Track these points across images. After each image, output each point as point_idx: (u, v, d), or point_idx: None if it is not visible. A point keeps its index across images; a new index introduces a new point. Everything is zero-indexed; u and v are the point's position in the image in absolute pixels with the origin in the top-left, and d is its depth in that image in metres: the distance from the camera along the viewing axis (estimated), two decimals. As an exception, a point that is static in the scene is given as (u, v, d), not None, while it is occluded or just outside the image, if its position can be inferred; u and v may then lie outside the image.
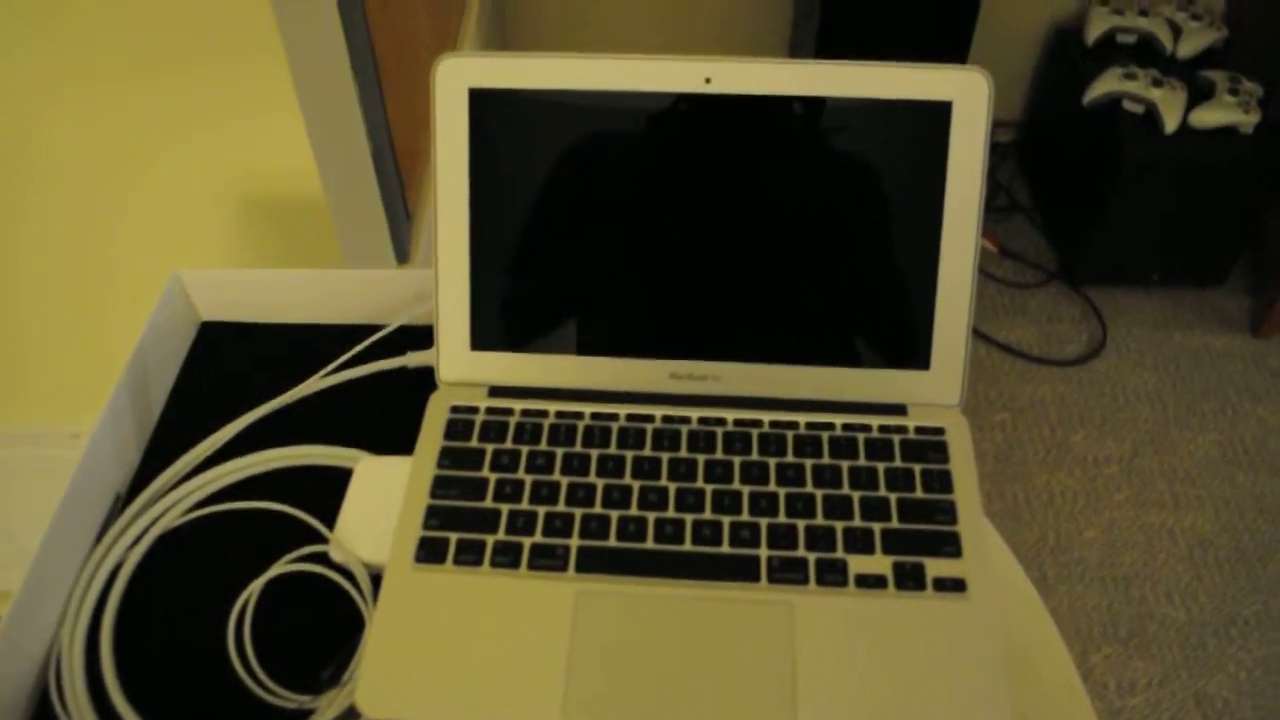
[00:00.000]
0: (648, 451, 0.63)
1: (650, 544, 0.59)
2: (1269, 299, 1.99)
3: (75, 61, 1.00)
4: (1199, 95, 1.90)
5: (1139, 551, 1.70)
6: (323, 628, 0.63)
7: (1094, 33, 2.05)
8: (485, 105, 0.63)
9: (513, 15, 2.17)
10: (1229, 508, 1.75)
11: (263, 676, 0.61)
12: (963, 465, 0.62)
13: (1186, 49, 2.01)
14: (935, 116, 0.61)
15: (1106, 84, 1.91)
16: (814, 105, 0.62)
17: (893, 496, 0.61)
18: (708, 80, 0.62)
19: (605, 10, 2.17)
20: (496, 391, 0.67)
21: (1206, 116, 1.85)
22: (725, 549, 0.59)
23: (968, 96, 0.61)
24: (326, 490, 0.69)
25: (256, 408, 0.74)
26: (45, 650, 0.62)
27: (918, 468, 0.62)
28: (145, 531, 0.68)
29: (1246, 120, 1.83)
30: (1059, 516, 1.74)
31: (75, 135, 1.06)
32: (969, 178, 0.62)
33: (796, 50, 2.19)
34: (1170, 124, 1.84)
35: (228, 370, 0.79)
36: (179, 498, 0.69)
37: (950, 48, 1.98)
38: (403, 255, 1.16)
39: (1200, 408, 1.90)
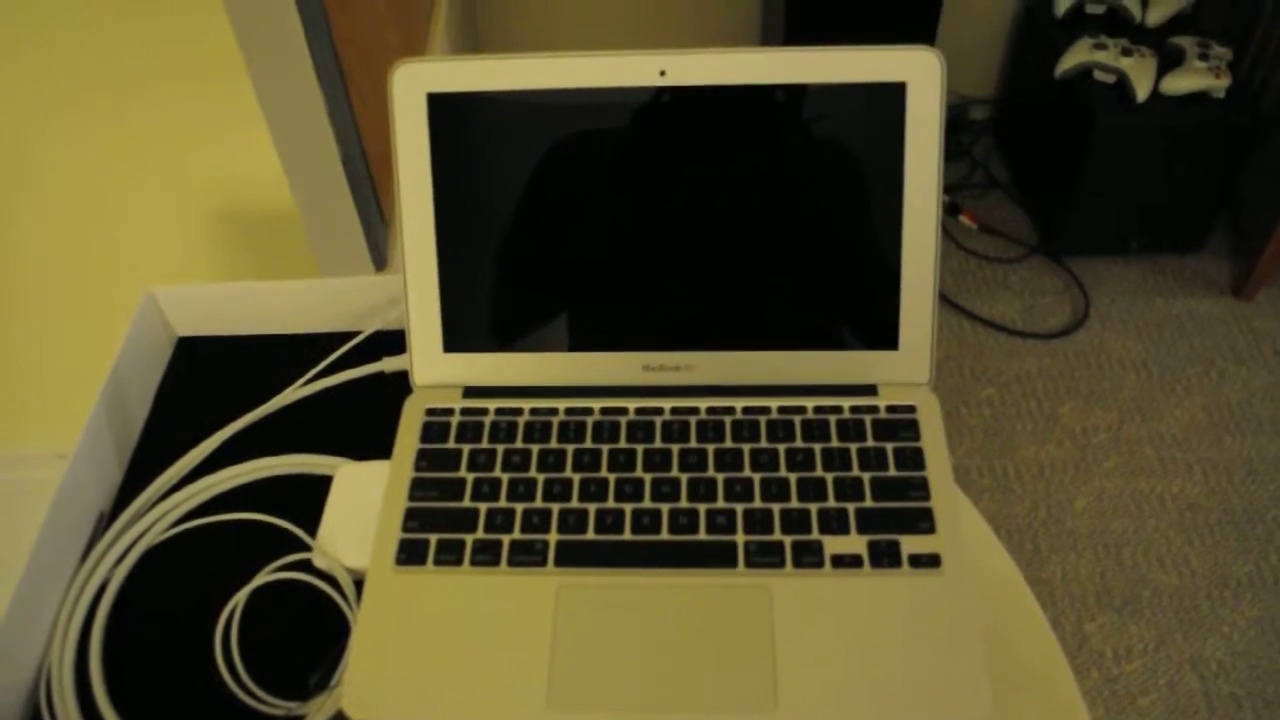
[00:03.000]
0: (622, 444, 0.64)
1: (628, 535, 0.60)
2: (1249, 260, 2.00)
3: (45, 85, 1.00)
4: (1169, 62, 1.91)
5: (1130, 519, 1.71)
6: (309, 634, 0.63)
7: (1062, 5, 2.05)
8: (444, 109, 0.64)
9: (483, 20, 2.17)
10: (1217, 471, 1.76)
11: (251, 685, 0.61)
12: (934, 442, 0.63)
13: (1155, 16, 2.01)
14: (890, 97, 0.62)
15: (1077, 55, 1.92)
16: (770, 92, 0.62)
17: (866, 476, 0.62)
18: (662, 73, 0.62)
19: (574, 10, 2.17)
20: (471, 392, 0.68)
21: (1178, 83, 1.85)
22: (702, 536, 0.60)
23: (920, 76, 0.61)
24: (308, 498, 0.69)
25: (235, 420, 0.75)
26: (35, 669, 0.62)
27: (890, 446, 0.63)
28: (130, 548, 0.68)
29: (1217, 84, 1.84)
30: (1049, 488, 1.75)
31: (47, 157, 1.06)
32: (926, 156, 0.62)
33: (768, 39, 2.19)
34: (1142, 92, 1.85)
35: (206, 384, 0.79)
36: (162, 513, 0.70)
37: (919, 27, 1.99)
38: (381, 261, 1.16)
39: (1185, 373, 1.91)
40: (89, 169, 1.08)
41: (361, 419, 0.75)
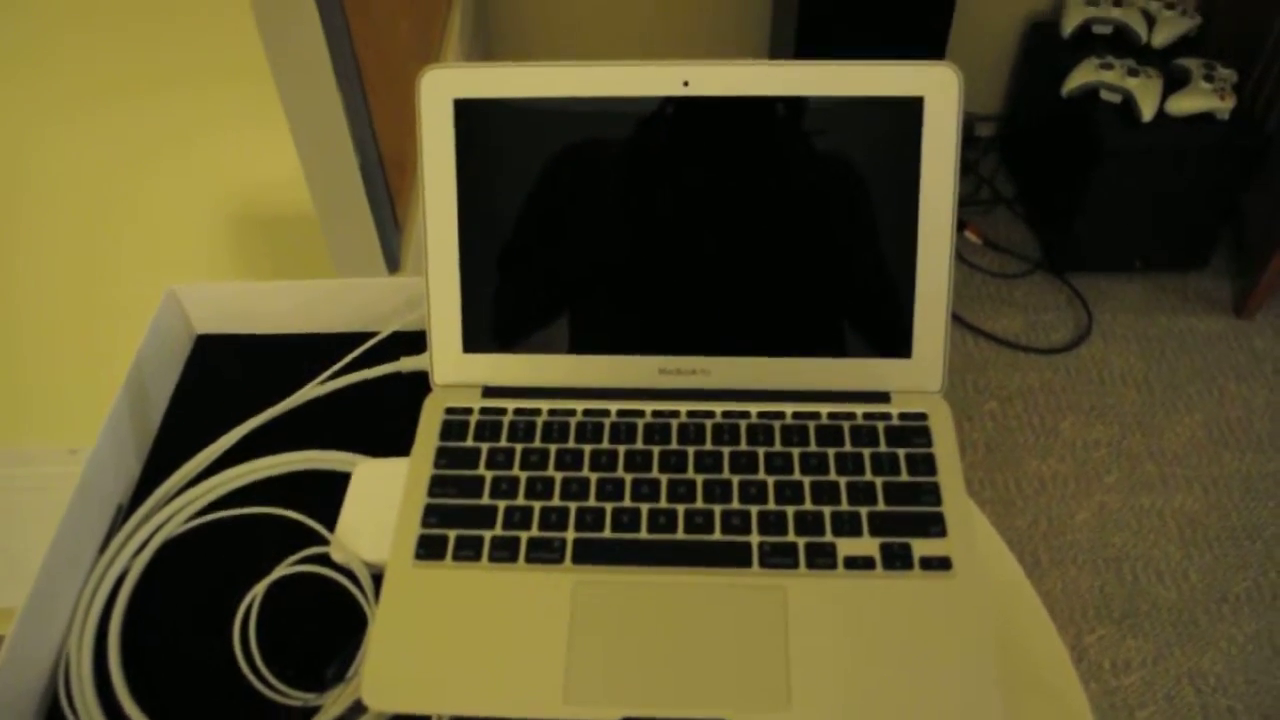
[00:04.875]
0: (639, 445, 0.65)
1: (644, 534, 0.61)
2: (1250, 280, 2.01)
3: (65, 85, 1.02)
4: (1174, 83, 1.92)
5: (1130, 533, 1.72)
6: (326, 627, 0.64)
7: (1070, 24, 2.07)
8: (470, 115, 0.65)
9: (495, 25, 2.19)
10: (1217, 487, 1.77)
11: (269, 677, 0.62)
12: (946, 448, 0.64)
13: (1161, 38, 2.03)
14: (908, 111, 0.63)
15: (1083, 75, 1.94)
16: (790, 104, 0.63)
17: (879, 480, 0.63)
18: (685, 83, 0.63)
19: (586, 16, 2.19)
20: (490, 392, 0.69)
21: (1183, 103, 1.87)
22: (717, 536, 0.61)
23: (938, 91, 0.63)
24: (326, 494, 0.70)
25: (253, 417, 0.76)
26: (53, 660, 0.63)
27: (902, 452, 0.64)
28: (148, 540, 0.69)
29: (1222, 106, 1.86)
30: (1050, 501, 1.76)
31: (66, 157, 1.07)
32: (943, 169, 0.64)
33: (776, 50, 2.20)
34: (1147, 112, 1.86)
35: (224, 381, 0.80)
36: (181, 506, 0.71)
37: (928, 43, 2.00)
38: (394, 265, 1.17)
39: (1186, 389, 1.92)
40: (109, 168, 1.09)
41: (378, 418, 0.76)
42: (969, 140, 2.38)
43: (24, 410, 1.37)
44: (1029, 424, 1.88)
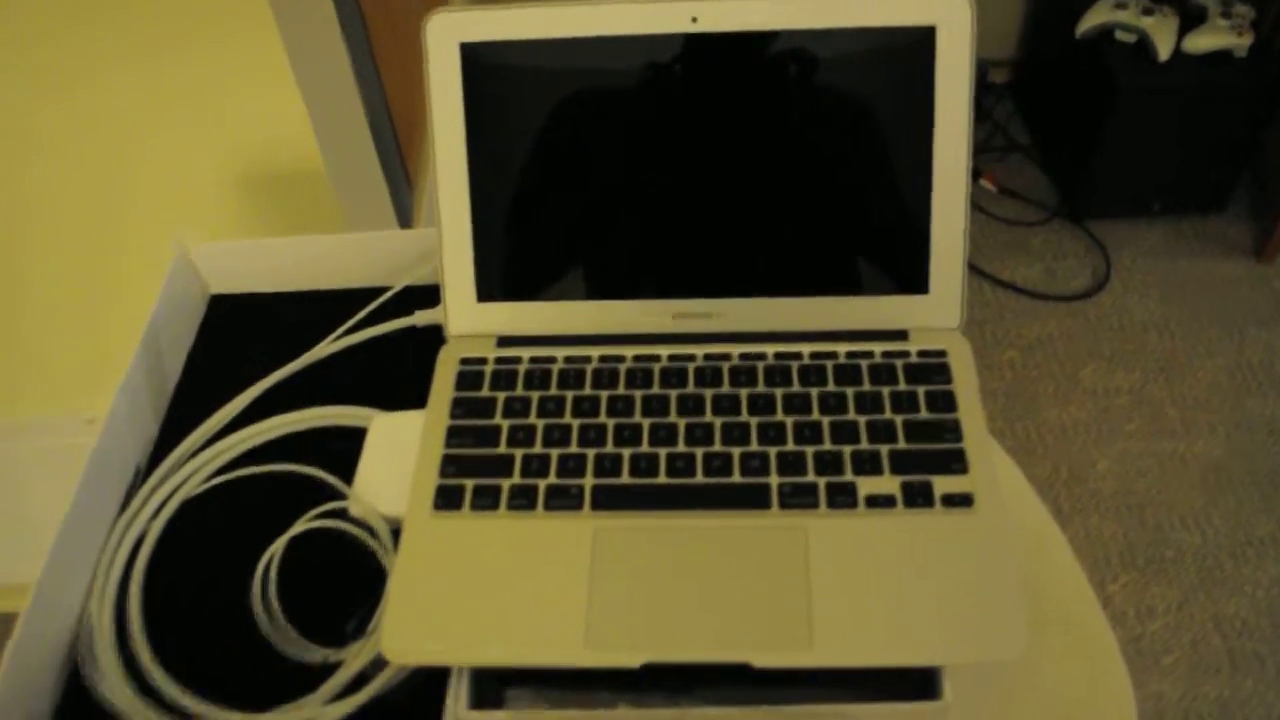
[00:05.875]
0: (656, 390, 0.64)
1: (663, 479, 0.61)
2: (1271, 221, 1.98)
3: (73, 45, 1.01)
4: (1191, 21, 1.89)
5: (1152, 479, 1.71)
6: (346, 581, 0.64)
7: (1083, -35, 2.03)
8: (477, 58, 0.64)
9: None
10: (1239, 431, 1.76)
11: (290, 632, 0.62)
12: (965, 385, 0.63)
13: (1177, -25, 1.99)
14: (920, 41, 0.62)
15: (1098, 15, 1.90)
16: (801, 37, 0.62)
17: (898, 419, 0.62)
18: (694, 20, 0.62)
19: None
20: (504, 341, 0.68)
21: (1199, 41, 1.84)
22: (736, 479, 0.60)
23: (951, 18, 0.61)
24: (342, 449, 0.70)
25: (269, 375, 0.75)
26: (74, 622, 0.63)
27: (921, 389, 0.63)
28: (167, 500, 0.69)
29: (1240, 43, 1.82)
30: (1071, 449, 1.75)
31: (75, 119, 1.06)
32: (957, 99, 0.62)
33: None
34: (1163, 51, 1.83)
35: (239, 340, 0.80)
36: (198, 465, 0.71)
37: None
38: (406, 223, 1.16)
39: (1207, 334, 1.90)
40: (116, 129, 1.08)
41: (394, 372, 0.75)
42: (982, 86, 2.35)
43: (38, 378, 1.38)
44: (1049, 372, 1.86)
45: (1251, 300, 1.95)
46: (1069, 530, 1.65)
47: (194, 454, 0.72)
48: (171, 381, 0.78)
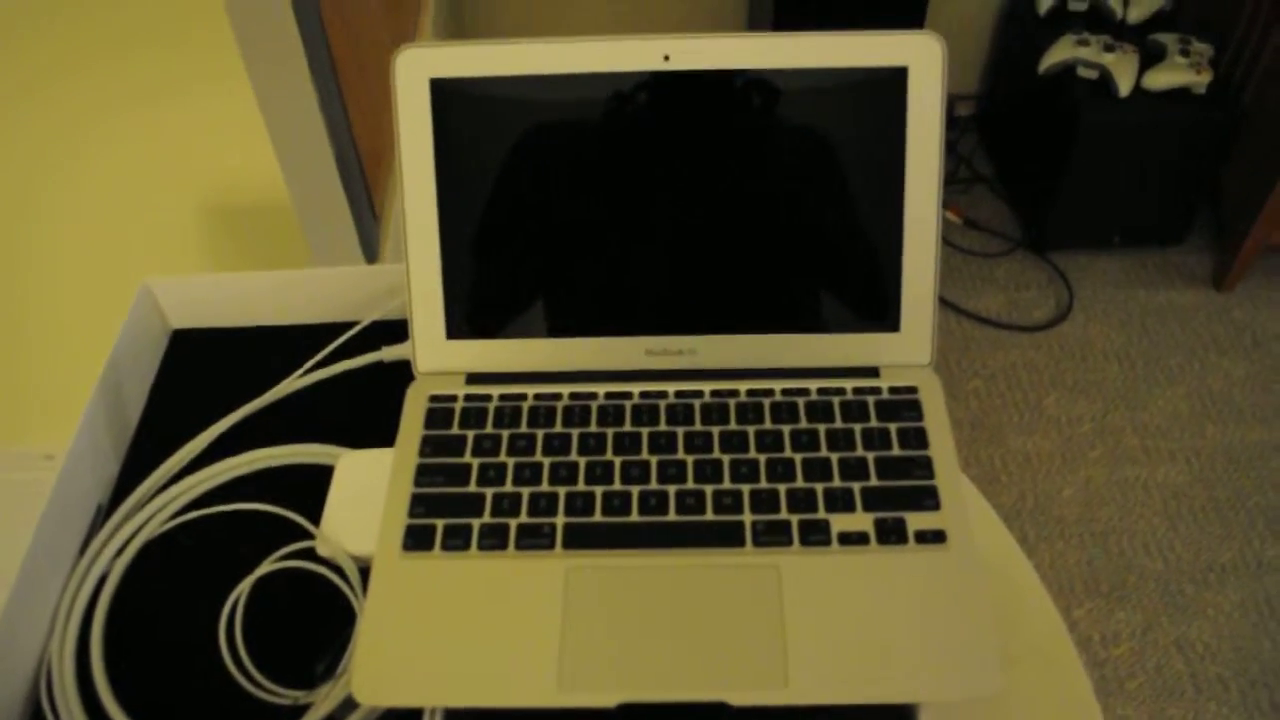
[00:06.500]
0: (627, 427, 0.64)
1: (635, 517, 0.60)
2: (1229, 253, 2.02)
3: (24, 76, 1.00)
4: (1151, 59, 1.92)
5: (1115, 507, 1.72)
6: (314, 623, 0.63)
7: (1045, 2, 2.07)
8: (447, 94, 0.64)
9: (470, 12, 2.17)
10: (1200, 459, 1.78)
11: (257, 675, 0.61)
12: (937, 421, 0.64)
13: (1136, 14, 2.03)
14: (892, 82, 0.62)
15: (1060, 52, 1.94)
16: (774, 77, 0.62)
17: (870, 455, 0.62)
18: (666, 58, 0.62)
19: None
20: (474, 378, 0.68)
21: (1159, 78, 1.87)
22: (709, 517, 0.60)
23: (922, 60, 0.62)
24: (308, 488, 0.69)
25: (233, 412, 0.74)
26: (35, 665, 0.62)
27: (893, 426, 0.63)
28: (129, 540, 0.68)
29: (1199, 80, 1.86)
30: (1036, 477, 1.76)
31: (34, 151, 1.05)
32: (928, 139, 0.63)
33: (755, 23, 2.20)
34: (1124, 88, 1.86)
35: (202, 376, 0.79)
36: (162, 504, 0.69)
37: (906, 22, 2.00)
38: (372, 257, 1.16)
39: (1168, 363, 1.93)
40: (77, 161, 1.07)
41: (359, 409, 0.75)
42: (948, 119, 2.37)
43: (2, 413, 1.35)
44: (1013, 401, 1.88)
45: (1211, 329, 1.98)
46: (1035, 558, 1.66)
47: (157, 492, 0.71)
48: (134, 418, 0.76)
